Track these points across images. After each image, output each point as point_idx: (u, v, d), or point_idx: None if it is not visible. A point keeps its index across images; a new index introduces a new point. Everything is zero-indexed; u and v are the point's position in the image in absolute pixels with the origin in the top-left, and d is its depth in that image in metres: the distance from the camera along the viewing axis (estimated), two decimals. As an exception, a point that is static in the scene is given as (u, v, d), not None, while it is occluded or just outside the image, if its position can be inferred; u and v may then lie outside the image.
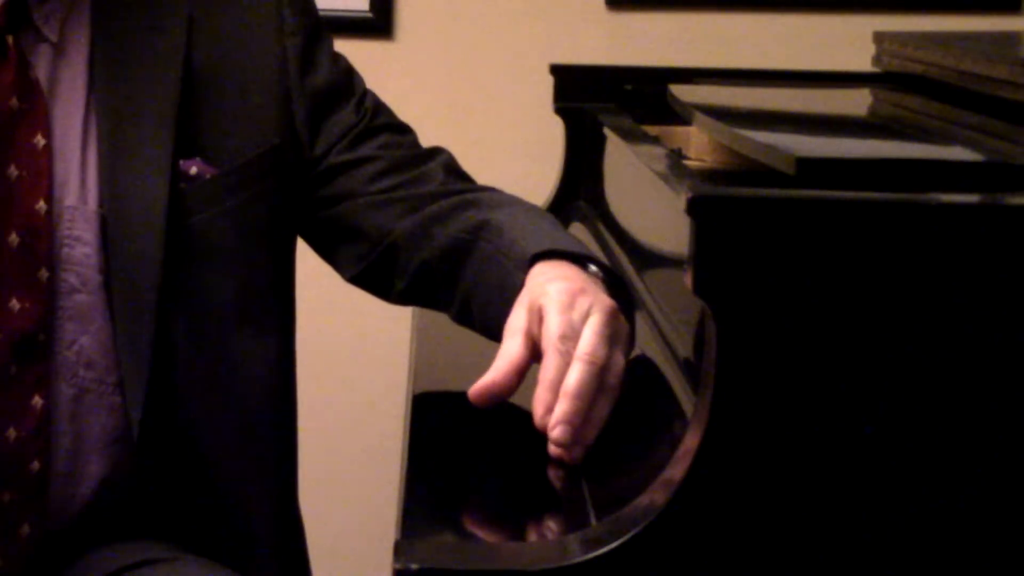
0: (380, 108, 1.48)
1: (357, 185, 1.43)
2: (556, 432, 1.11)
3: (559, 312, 1.15)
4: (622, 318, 1.19)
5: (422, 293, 1.42)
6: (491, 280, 1.31)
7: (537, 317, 1.17)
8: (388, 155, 1.44)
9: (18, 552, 1.33)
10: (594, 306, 1.16)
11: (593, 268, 1.26)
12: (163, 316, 1.33)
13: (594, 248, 1.64)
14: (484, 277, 1.33)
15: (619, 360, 1.16)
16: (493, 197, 1.43)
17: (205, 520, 1.39)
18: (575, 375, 1.12)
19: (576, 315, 1.15)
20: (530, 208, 1.42)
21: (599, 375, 1.13)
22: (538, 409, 1.13)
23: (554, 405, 1.11)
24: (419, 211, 1.41)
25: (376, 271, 1.44)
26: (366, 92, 1.48)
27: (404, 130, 1.48)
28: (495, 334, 1.24)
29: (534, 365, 1.17)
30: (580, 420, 1.11)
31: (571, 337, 1.14)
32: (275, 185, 1.40)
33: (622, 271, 1.50)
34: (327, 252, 1.48)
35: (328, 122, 1.43)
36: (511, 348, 1.16)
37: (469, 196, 1.42)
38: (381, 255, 1.43)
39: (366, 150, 1.43)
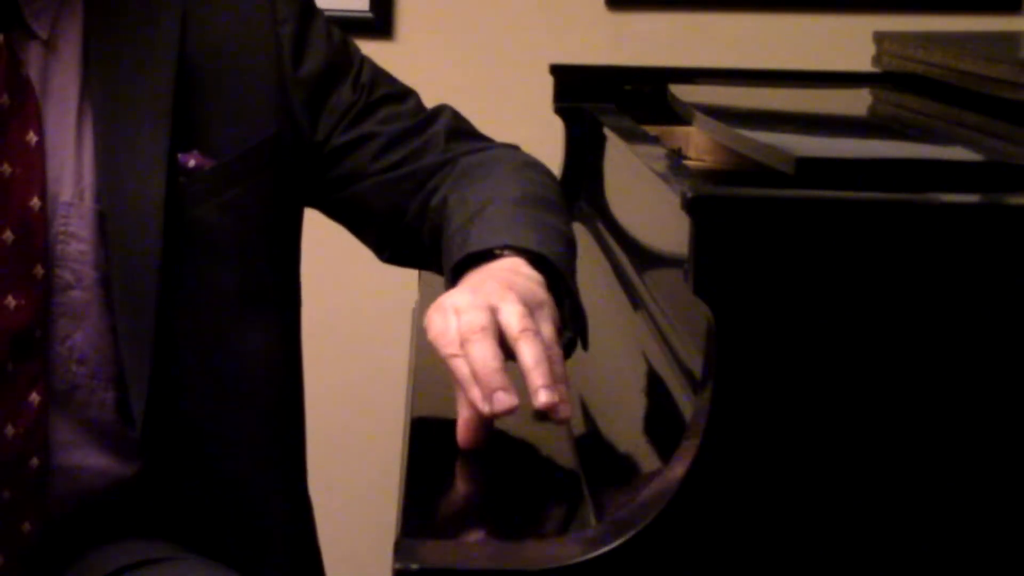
0: (378, 79, 1.47)
1: (363, 164, 1.43)
2: (544, 399, 1.09)
3: (433, 334, 1.14)
4: (460, 299, 1.16)
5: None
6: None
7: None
8: (389, 129, 1.44)
9: (20, 550, 1.33)
10: (439, 310, 1.16)
11: (508, 255, 1.24)
12: (164, 310, 1.33)
13: (594, 249, 1.64)
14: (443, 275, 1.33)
15: (508, 310, 1.13)
16: (468, 167, 1.41)
17: (213, 516, 1.39)
18: (461, 364, 1.11)
19: (450, 321, 1.14)
20: (493, 183, 1.37)
21: (481, 333, 1.11)
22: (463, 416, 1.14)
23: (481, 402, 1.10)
24: (424, 186, 1.42)
25: (404, 252, 1.46)
26: (363, 64, 1.47)
27: (404, 97, 1.48)
28: None
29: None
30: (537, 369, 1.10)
31: (445, 343, 1.13)
32: (275, 175, 1.40)
33: (622, 271, 1.50)
34: (358, 235, 1.49)
35: (327, 105, 1.43)
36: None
37: (457, 167, 1.42)
38: (401, 237, 1.44)
39: (367, 127, 1.43)
